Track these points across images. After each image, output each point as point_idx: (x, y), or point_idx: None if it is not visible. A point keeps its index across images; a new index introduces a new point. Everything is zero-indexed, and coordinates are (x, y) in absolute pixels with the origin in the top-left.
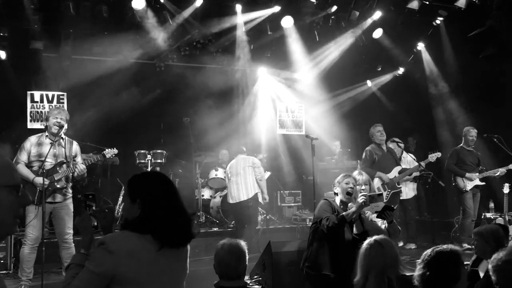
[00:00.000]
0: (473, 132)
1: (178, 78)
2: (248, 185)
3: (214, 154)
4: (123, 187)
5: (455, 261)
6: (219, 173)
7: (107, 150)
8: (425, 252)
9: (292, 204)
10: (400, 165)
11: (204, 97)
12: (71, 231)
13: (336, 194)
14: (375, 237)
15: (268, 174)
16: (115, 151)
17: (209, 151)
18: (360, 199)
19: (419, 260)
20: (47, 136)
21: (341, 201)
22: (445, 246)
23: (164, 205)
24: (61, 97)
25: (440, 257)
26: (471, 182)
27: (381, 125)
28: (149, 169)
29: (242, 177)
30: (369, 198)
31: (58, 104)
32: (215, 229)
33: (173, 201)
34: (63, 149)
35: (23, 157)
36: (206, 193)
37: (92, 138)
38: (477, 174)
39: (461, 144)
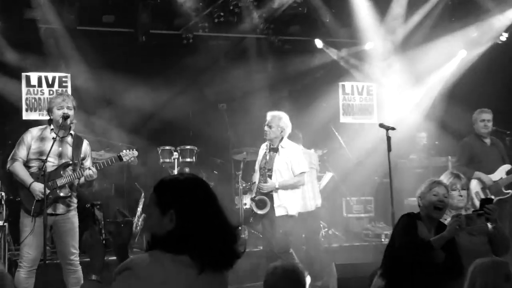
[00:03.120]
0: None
1: (211, 53)
2: (316, 189)
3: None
4: (143, 194)
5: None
6: None
7: (124, 151)
8: None
9: (362, 215)
10: (508, 162)
11: (244, 78)
12: (77, 251)
13: (420, 206)
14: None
15: (330, 175)
16: (135, 153)
17: (252, 146)
18: (454, 222)
19: None
20: (52, 129)
21: (428, 217)
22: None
23: (204, 217)
24: (63, 79)
25: None
26: None
27: (489, 111)
28: (176, 169)
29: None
30: (465, 219)
31: (60, 89)
32: (261, 247)
33: (215, 211)
34: (69, 147)
35: (22, 153)
36: (249, 202)
37: (103, 131)
38: None
39: None
